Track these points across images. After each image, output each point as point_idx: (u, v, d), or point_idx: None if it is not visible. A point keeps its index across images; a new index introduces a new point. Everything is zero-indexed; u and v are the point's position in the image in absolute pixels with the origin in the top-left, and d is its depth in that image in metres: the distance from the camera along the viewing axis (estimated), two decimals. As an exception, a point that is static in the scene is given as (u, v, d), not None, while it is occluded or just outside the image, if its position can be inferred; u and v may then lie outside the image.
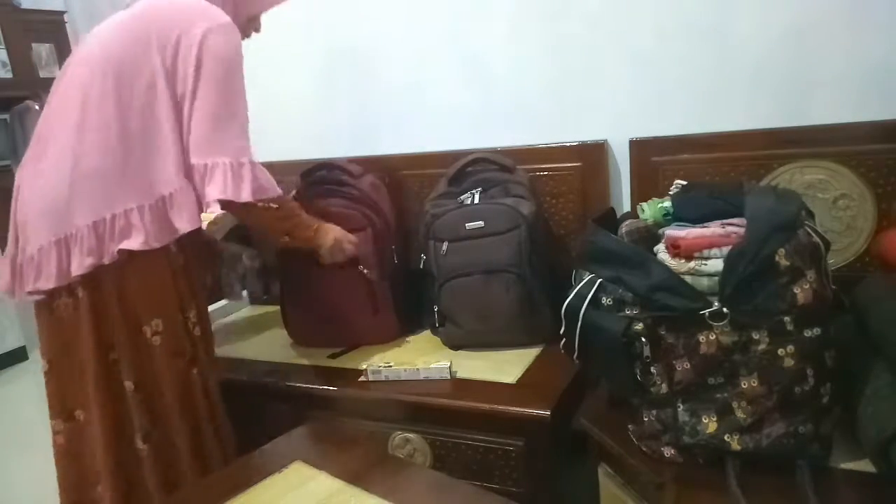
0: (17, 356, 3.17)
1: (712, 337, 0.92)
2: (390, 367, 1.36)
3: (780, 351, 0.90)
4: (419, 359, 1.41)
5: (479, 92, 1.71)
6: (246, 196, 1.14)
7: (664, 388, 0.96)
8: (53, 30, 4.95)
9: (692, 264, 0.95)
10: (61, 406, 1.18)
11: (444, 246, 1.42)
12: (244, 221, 1.24)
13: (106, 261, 1.11)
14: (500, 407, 1.21)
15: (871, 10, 1.29)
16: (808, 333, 0.90)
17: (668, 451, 0.98)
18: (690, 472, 0.96)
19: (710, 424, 0.94)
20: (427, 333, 1.57)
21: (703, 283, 0.93)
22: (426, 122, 1.80)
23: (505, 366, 1.35)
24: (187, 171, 1.15)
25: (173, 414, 1.21)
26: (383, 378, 1.36)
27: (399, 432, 1.32)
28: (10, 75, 4.72)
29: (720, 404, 0.94)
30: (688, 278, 0.94)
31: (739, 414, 0.93)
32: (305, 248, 1.37)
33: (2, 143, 3.97)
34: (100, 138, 1.12)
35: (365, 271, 1.47)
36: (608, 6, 1.51)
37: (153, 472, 1.18)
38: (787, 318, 0.89)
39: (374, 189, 1.59)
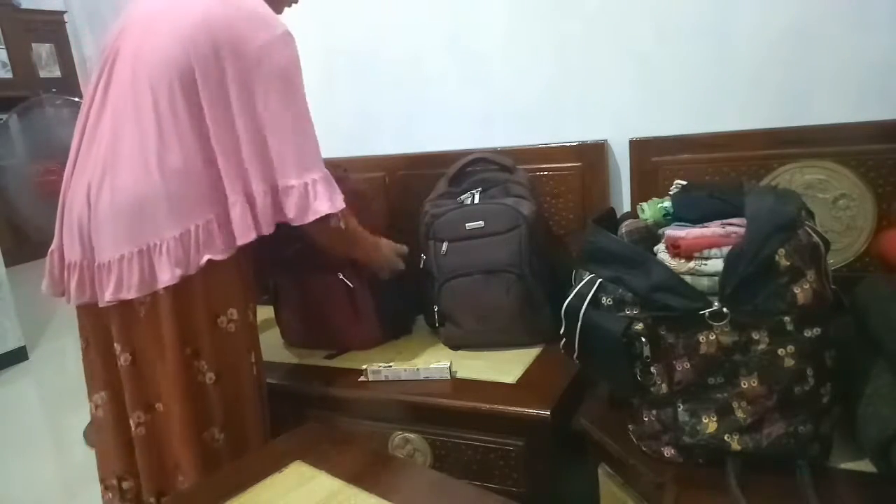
0: (17, 356, 3.17)
1: (712, 337, 0.92)
2: (390, 367, 1.36)
3: (780, 351, 0.90)
4: (419, 359, 1.41)
5: (479, 92, 1.71)
6: (340, 204, 1.20)
7: (664, 388, 0.96)
8: (53, 30, 4.95)
9: (692, 264, 0.95)
10: (143, 397, 1.18)
11: (444, 246, 1.42)
12: (316, 239, 1.27)
13: (192, 271, 1.13)
14: (500, 407, 1.21)
15: (871, 10, 1.29)
16: (808, 333, 0.90)
17: (668, 451, 0.98)
18: (690, 472, 0.96)
19: (710, 424, 0.95)
20: (425, 334, 1.57)
21: (703, 283, 0.93)
22: (426, 122, 1.80)
23: (505, 366, 1.35)
24: (271, 187, 1.16)
25: (247, 402, 1.23)
26: (383, 378, 1.36)
27: (399, 432, 1.32)
28: (10, 75, 4.72)
29: (720, 404, 0.94)
30: (688, 278, 0.94)
31: (739, 414, 0.93)
32: (366, 263, 1.44)
33: (2, 142, 3.97)
34: (181, 146, 1.12)
35: (341, 276, 1.46)
36: (608, 6, 1.51)
37: (227, 462, 1.20)
38: (787, 318, 0.89)
39: (354, 195, 1.52)
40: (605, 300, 0.99)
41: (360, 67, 1.86)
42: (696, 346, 0.93)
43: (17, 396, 2.92)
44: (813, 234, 0.92)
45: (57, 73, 5.03)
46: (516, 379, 1.30)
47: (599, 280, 1.00)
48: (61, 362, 3.19)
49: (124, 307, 1.14)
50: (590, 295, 1.00)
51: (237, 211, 1.14)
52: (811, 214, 1.00)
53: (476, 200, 1.46)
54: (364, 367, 1.38)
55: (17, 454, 2.34)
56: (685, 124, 1.46)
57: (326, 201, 1.17)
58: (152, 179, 1.11)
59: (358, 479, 0.95)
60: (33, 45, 4.87)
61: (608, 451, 1.06)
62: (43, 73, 4.92)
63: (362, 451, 1.07)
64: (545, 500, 1.22)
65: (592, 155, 1.56)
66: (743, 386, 0.92)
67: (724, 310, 0.90)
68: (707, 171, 1.42)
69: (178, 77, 1.11)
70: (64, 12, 4.91)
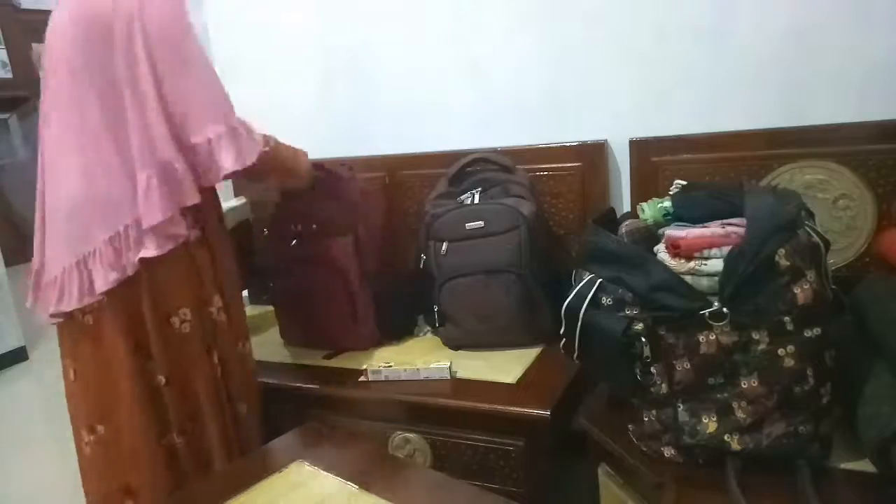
0: (17, 356, 3.16)
1: (712, 337, 0.92)
2: (390, 367, 1.36)
3: (781, 351, 0.90)
4: (419, 359, 1.41)
5: (479, 92, 1.71)
6: (252, 158, 1.12)
7: (664, 388, 0.97)
8: (53, 30, 4.94)
9: (692, 264, 0.95)
10: (87, 415, 1.17)
11: (444, 246, 1.41)
12: (252, 179, 1.26)
13: (130, 272, 1.10)
14: (500, 407, 1.21)
15: (871, 10, 1.29)
16: (808, 333, 0.90)
17: (668, 451, 0.98)
18: (690, 472, 0.96)
19: (710, 424, 0.95)
20: (425, 335, 1.57)
21: (703, 283, 0.94)
22: (426, 122, 1.80)
23: (505, 366, 1.35)
24: (182, 151, 1.11)
25: (204, 406, 1.21)
26: (383, 378, 1.36)
27: (399, 432, 1.32)
28: (9, 75, 4.72)
29: (720, 404, 0.94)
30: (688, 278, 0.94)
31: (739, 414, 0.93)
32: (299, 183, 1.42)
33: (2, 142, 3.98)
34: (95, 143, 1.11)
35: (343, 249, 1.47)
36: (608, 6, 1.51)
37: (190, 467, 1.19)
38: (787, 318, 0.89)
39: (362, 195, 1.56)
40: (605, 300, 0.99)
41: (359, 67, 1.86)
42: (696, 346, 0.93)
43: (17, 396, 2.91)
44: (813, 234, 0.92)
45: (57, 73, 5.03)
46: (516, 379, 1.30)
47: (599, 280, 1.00)
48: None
49: (71, 321, 1.14)
50: (590, 295, 1.00)
51: (140, 190, 1.09)
52: (811, 214, 1.00)
53: (476, 200, 1.46)
54: (364, 367, 1.38)
55: (17, 454, 2.34)
56: (685, 124, 1.46)
57: (231, 158, 1.09)
58: (76, 183, 1.11)
59: (358, 479, 0.95)
60: (33, 45, 4.86)
61: (608, 451, 1.06)
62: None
63: (362, 451, 1.07)
64: (545, 500, 1.22)
65: (592, 155, 1.56)
66: (743, 386, 0.92)
67: (724, 310, 0.90)
68: (707, 171, 1.42)
69: (77, 72, 1.10)
70: (64, 12, 4.92)
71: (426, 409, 1.28)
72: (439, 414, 1.27)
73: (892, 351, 0.93)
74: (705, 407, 0.95)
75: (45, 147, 1.17)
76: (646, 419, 1.00)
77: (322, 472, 0.99)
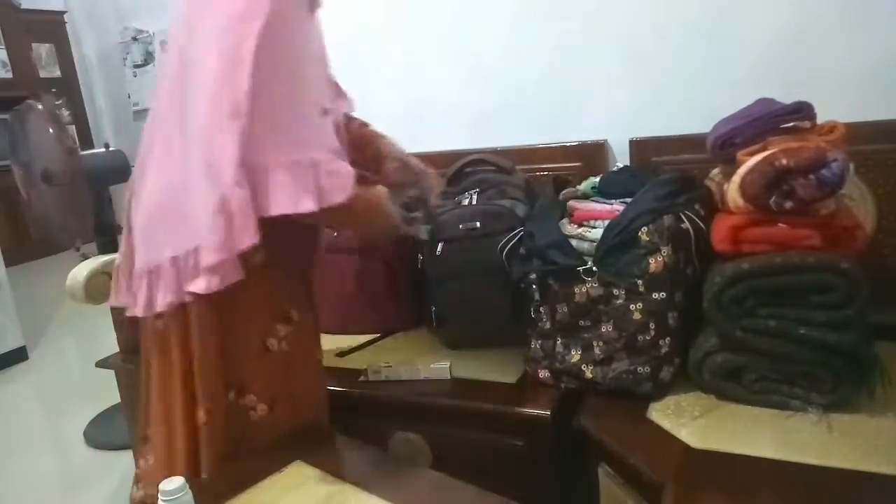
0: (17, 356, 3.16)
1: (584, 289, 1.15)
2: (390, 367, 1.36)
3: (632, 306, 1.12)
4: (419, 359, 1.41)
5: (479, 92, 1.71)
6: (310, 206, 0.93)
7: (548, 324, 1.21)
8: (53, 30, 4.96)
9: (581, 230, 1.20)
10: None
11: (440, 246, 1.41)
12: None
13: (186, 299, 0.98)
14: (501, 407, 1.21)
15: (871, 10, 1.29)
16: (655, 296, 1.11)
17: (544, 374, 1.23)
18: (690, 471, 0.96)
19: (575, 356, 1.19)
20: (424, 333, 1.56)
21: (585, 246, 1.17)
22: (427, 122, 1.80)
23: (505, 366, 1.35)
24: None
25: None
26: (383, 378, 1.36)
27: (399, 432, 1.31)
28: (10, 75, 4.72)
29: (585, 342, 1.18)
30: (575, 241, 1.18)
31: (597, 350, 1.16)
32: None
33: (2, 143, 3.98)
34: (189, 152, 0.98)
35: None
36: (608, 6, 1.51)
37: None
38: (640, 282, 1.11)
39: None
40: (521, 250, 1.24)
41: (359, 67, 1.86)
42: (572, 295, 1.16)
43: (17, 396, 2.92)
44: (686, 222, 1.12)
45: (57, 72, 5.04)
46: (516, 379, 1.30)
47: (521, 232, 1.26)
48: (61, 362, 3.19)
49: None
50: (512, 243, 1.27)
51: (206, 217, 0.96)
52: (698, 205, 1.17)
53: (475, 201, 1.46)
54: (364, 367, 1.38)
55: (17, 454, 2.34)
56: (685, 124, 1.46)
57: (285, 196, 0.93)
58: (157, 199, 1.04)
59: (358, 479, 0.95)
60: (33, 45, 4.88)
61: (608, 451, 1.06)
62: (43, 73, 4.92)
63: (362, 451, 1.07)
64: (545, 501, 1.22)
65: (592, 155, 1.56)
66: (602, 330, 1.16)
67: (594, 269, 1.13)
68: (707, 170, 1.41)
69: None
70: (64, 12, 4.91)
71: (426, 409, 1.28)
72: (439, 414, 1.27)
73: (711, 319, 1.08)
74: (575, 342, 1.19)
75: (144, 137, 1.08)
76: (532, 346, 1.25)
77: (322, 472, 0.98)
